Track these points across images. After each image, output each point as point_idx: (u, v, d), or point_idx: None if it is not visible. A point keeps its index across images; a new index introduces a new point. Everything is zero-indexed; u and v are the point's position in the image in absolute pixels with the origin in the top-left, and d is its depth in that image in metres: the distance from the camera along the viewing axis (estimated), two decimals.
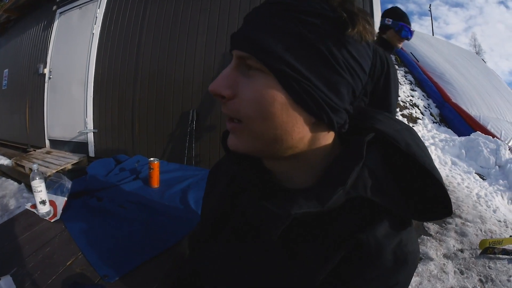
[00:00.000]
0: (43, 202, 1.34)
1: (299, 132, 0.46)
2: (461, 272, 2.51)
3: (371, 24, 0.45)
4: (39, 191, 1.33)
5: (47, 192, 1.38)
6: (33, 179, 1.31)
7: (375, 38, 0.43)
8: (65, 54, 4.97)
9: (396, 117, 0.55)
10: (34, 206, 1.39)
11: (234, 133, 0.49)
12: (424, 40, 12.45)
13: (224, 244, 0.62)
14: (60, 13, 5.12)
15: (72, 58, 4.82)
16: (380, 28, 2.26)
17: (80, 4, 4.82)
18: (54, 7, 5.16)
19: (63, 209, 1.40)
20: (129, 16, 4.33)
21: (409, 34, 2.16)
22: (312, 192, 0.46)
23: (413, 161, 0.47)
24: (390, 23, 2.18)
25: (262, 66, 0.43)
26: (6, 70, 6.43)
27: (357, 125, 0.51)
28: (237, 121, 0.47)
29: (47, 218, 1.35)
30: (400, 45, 2.28)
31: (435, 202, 0.47)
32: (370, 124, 0.50)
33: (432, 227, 3.20)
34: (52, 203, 1.40)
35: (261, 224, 0.49)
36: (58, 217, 1.36)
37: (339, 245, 0.47)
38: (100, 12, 4.55)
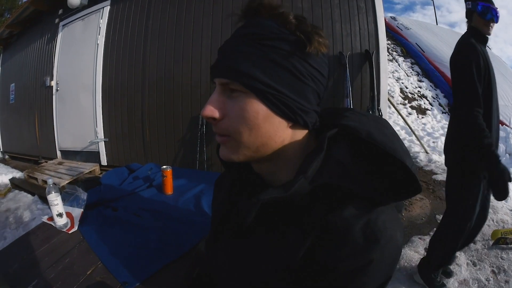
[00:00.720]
0: (60, 215, 1.38)
1: (280, 136, 0.56)
2: (474, 264, 2.50)
3: (324, 37, 0.54)
4: (56, 204, 1.36)
5: (63, 205, 1.41)
6: (49, 193, 1.35)
7: (326, 49, 0.54)
8: (71, 65, 5.02)
9: (368, 113, 0.62)
10: (51, 218, 1.43)
11: (225, 146, 0.57)
12: (428, 30, 12.27)
13: (226, 243, 0.69)
14: (63, 25, 5.17)
15: (79, 69, 4.85)
16: (466, 16, 2.00)
17: (82, 16, 4.87)
18: (57, 20, 5.23)
19: (80, 220, 1.44)
20: (133, 25, 4.37)
21: (493, 15, 1.84)
22: (283, 184, 0.53)
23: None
24: (470, 6, 1.91)
25: (243, 88, 0.51)
26: (12, 85, 6.50)
27: (328, 123, 0.59)
28: (226, 137, 0.55)
29: (64, 230, 1.39)
30: (490, 31, 1.94)
31: (405, 182, 0.51)
32: (337, 121, 0.57)
33: None
34: (68, 214, 1.44)
35: (240, 213, 0.58)
36: (75, 228, 1.40)
37: (312, 227, 0.52)
38: (103, 23, 4.60)
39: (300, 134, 0.58)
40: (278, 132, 0.55)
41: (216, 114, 0.54)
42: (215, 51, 3.82)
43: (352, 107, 3.30)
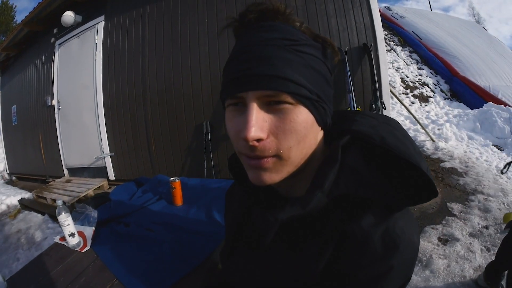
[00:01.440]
0: (72, 235, 1.38)
1: (316, 143, 0.55)
2: (488, 250, 2.49)
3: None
4: (67, 225, 1.37)
5: (75, 224, 1.41)
6: (59, 214, 1.35)
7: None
8: (71, 83, 5.05)
9: (377, 114, 0.59)
10: (63, 238, 1.43)
11: (267, 169, 0.51)
12: (423, 17, 12.24)
13: (243, 255, 0.68)
14: (59, 44, 5.19)
15: (79, 86, 4.88)
16: None
17: (78, 33, 4.89)
18: (53, 39, 5.25)
19: (92, 239, 1.44)
20: (129, 38, 4.39)
21: None
22: (299, 198, 0.52)
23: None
24: None
25: (291, 99, 0.47)
26: (14, 106, 6.55)
27: (337, 129, 0.58)
28: (271, 157, 0.50)
29: (77, 249, 1.39)
30: None
31: (422, 186, 0.50)
32: (347, 126, 0.56)
33: (455, 206, 3.18)
34: (80, 233, 1.44)
35: (258, 230, 0.57)
36: (88, 247, 1.40)
37: (330, 238, 0.52)
38: (99, 38, 4.62)
39: (320, 137, 0.57)
40: (316, 139, 0.54)
41: (262, 134, 0.48)
42: (213, 57, 3.84)
43: (354, 102, 3.29)
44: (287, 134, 0.48)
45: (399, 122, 5.17)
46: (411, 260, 0.51)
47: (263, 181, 0.52)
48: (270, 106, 0.49)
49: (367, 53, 3.41)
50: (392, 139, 0.52)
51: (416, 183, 0.50)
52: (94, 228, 1.47)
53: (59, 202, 1.38)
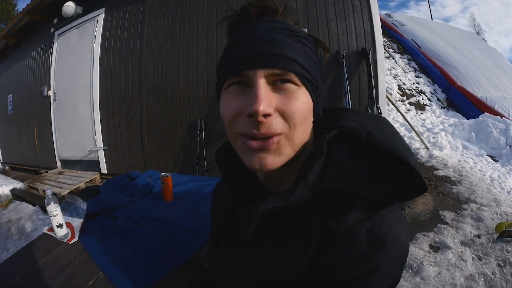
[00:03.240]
0: (60, 226, 1.37)
1: (309, 132, 0.55)
2: (479, 258, 2.49)
3: None
4: (55, 215, 1.36)
5: (63, 215, 1.40)
6: (48, 204, 1.34)
7: None
8: (67, 75, 5.04)
9: (366, 111, 0.61)
10: (51, 229, 1.42)
11: (271, 151, 0.50)
12: (423, 26, 12.32)
13: (227, 251, 0.67)
14: (59, 34, 5.20)
15: (75, 78, 4.88)
16: None
17: (77, 25, 4.89)
18: (52, 29, 5.25)
19: (80, 231, 1.43)
20: (128, 32, 4.39)
21: None
22: (283, 191, 0.51)
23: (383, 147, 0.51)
24: None
25: (297, 79, 0.49)
26: (10, 95, 6.54)
27: (326, 125, 0.59)
28: (277, 136, 0.49)
29: (65, 241, 1.38)
30: None
31: (410, 181, 0.50)
32: (336, 122, 0.56)
33: (448, 214, 3.19)
34: (69, 225, 1.43)
35: (239, 223, 0.56)
36: (76, 238, 1.39)
37: (314, 234, 0.51)
38: (98, 31, 4.62)
39: (311, 131, 0.57)
40: (310, 128, 0.55)
41: (271, 109, 0.48)
42: (211, 55, 3.85)
43: (350, 106, 3.30)
44: (293, 112, 0.49)
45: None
46: (399, 260, 0.50)
47: (266, 165, 0.50)
48: (276, 85, 0.49)
49: (365, 58, 3.43)
50: (379, 134, 0.51)
51: (405, 179, 0.50)
52: (82, 220, 1.46)
53: (48, 192, 1.37)
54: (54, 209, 1.35)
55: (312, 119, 0.55)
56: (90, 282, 1.11)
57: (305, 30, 3.50)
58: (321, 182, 0.50)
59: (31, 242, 1.42)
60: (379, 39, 3.49)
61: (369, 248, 0.47)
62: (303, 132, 0.52)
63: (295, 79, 0.49)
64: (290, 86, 0.49)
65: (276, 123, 0.48)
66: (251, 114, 0.47)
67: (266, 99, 0.47)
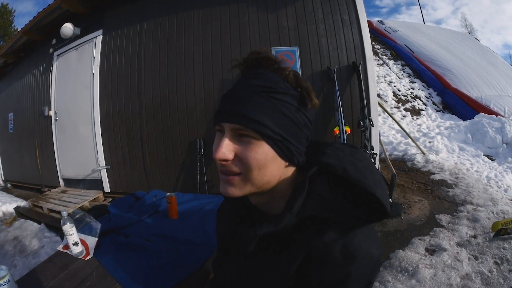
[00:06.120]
0: (75, 244, 1.47)
1: (280, 173, 0.67)
2: (476, 258, 2.51)
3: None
4: (71, 234, 1.46)
5: (77, 231, 1.50)
6: (64, 224, 1.44)
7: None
8: (68, 95, 5.11)
9: (346, 146, 0.72)
10: (65, 247, 1.52)
11: (232, 184, 0.65)
12: (416, 30, 12.44)
13: (232, 263, 0.82)
14: (58, 55, 5.28)
15: (76, 99, 4.95)
16: None
17: (76, 46, 4.96)
18: (51, 50, 5.33)
19: (95, 248, 1.53)
20: (126, 53, 4.49)
21: None
22: (273, 217, 0.65)
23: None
24: None
25: (255, 134, 0.61)
26: (11, 114, 6.56)
27: (310, 159, 0.70)
28: (236, 175, 0.64)
29: (80, 257, 1.48)
30: None
31: (378, 208, 0.63)
32: (317, 158, 0.69)
33: (444, 218, 3.25)
34: (83, 242, 1.53)
35: (242, 242, 0.70)
36: (91, 255, 1.49)
37: (300, 250, 0.65)
38: (97, 52, 4.69)
39: (291, 170, 0.70)
40: (279, 170, 0.66)
41: (229, 156, 0.62)
42: (207, 76, 3.97)
43: (343, 119, 3.40)
44: (248, 160, 0.62)
45: (391, 135, 5.30)
46: (369, 269, 0.63)
47: (227, 193, 0.66)
48: (240, 137, 0.62)
49: (356, 71, 3.54)
50: (353, 170, 0.64)
51: (373, 206, 0.63)
52: (96, 238, 1.56)
53: (64, 213, 1.47)
54: (70, 229, 1.45)
55: (284, 163, 0.66)
56: None
57: (297, 48, 3.70)
58: (304, 211, 0.64)
59: (48, 259, 1.51)
60: (369, 52, 3.62)
61: (342, 260, 0.60)
62: (263, 175, 0.64)
63: (254, 134, 0.61)
64: (250, 139, 0.61)
65: (234, 166, 0.63)
66: (214, 157, 0.63)
67: (225, 148, 0.62)
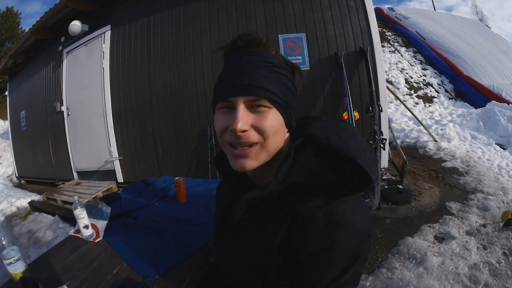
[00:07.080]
0: (86, 227, 1.51)
1: (283, 140, 0.71)
2: (484, 248, 2.50)
3: None
4: (82, 218, 1.50)
5: (88, 217, 1.54)
6: (75, 208, 1.48)
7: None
8: (79, 90, 5.18)
9: (333, 119, 0.75)
10: (77, 231, 1.57)
11: (249, 157, 0.67)
12: (427, 17, 12.23)
13: (227, 237, 0.86)
14: (67, 52, 5.36)
15: (87, 93, 5.03)
16: None
17: (85, 42, 5.02)
18: (60, 48, 5.38)
19: (105, 231, 1.57)
20: (135, 46, 4.55)
21: None
22: (262, 185, 0.69)
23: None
24: None
25: (268, 103, 0.65)
26: (22, 112, 6.68)
27: (298, 132, 0.74)
28: (253, 145, 0.66)
29: (91, 240, 1.53)
30: None
31: (363, 176, 0.65)
32: (304, 129, 0.72)
33: (454, 205, 3.23)
34: (93, 226, 1.57)
35: (231, 211, 0.75)
36: (101, 237, 1.54)
37: (285, 217, 0.67)
38: (106, 47, 4.75)
39: (287, 139, 0.73)
40: (284, 137, 0.71)
41: (247, 127, 0.64)
42: (216, 65, 4.01)
43: (351, 105, 3.40)
44: (264, 127, 0.65)
45: (403, 123, 5.24)
46: (355, 240, 0.63)
47: (244, 167, 0.68)
48: (253, 108, 0.66)
49: (363, 57, 3.51)
50: (335, 139, 0.67)
51: (359, 176, 0.64)
52: (106, 221, 1.60)
53: (75, 198, 1.52)
54: (81, 213, 1.49)
55: (286, 130, 0.71)
56: (115, 271, 1.26)
57: (304, 34, 3.68)
58: (289, 178, 0.67)
59: (59, 242, 1.55)
60: (376, 36, 3.59)
61: (326, 227, 0.61)
62: (276, 141, 0.68)
63: (267, 103, 0.65)
64: (263, 109, 0.65)
65: (252, 136, 0.65)
66: (233, 130, 0.64)
67: (243, 119, 0.64)
